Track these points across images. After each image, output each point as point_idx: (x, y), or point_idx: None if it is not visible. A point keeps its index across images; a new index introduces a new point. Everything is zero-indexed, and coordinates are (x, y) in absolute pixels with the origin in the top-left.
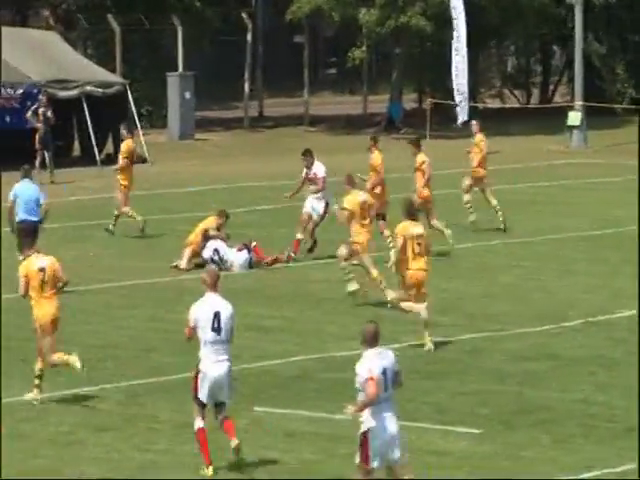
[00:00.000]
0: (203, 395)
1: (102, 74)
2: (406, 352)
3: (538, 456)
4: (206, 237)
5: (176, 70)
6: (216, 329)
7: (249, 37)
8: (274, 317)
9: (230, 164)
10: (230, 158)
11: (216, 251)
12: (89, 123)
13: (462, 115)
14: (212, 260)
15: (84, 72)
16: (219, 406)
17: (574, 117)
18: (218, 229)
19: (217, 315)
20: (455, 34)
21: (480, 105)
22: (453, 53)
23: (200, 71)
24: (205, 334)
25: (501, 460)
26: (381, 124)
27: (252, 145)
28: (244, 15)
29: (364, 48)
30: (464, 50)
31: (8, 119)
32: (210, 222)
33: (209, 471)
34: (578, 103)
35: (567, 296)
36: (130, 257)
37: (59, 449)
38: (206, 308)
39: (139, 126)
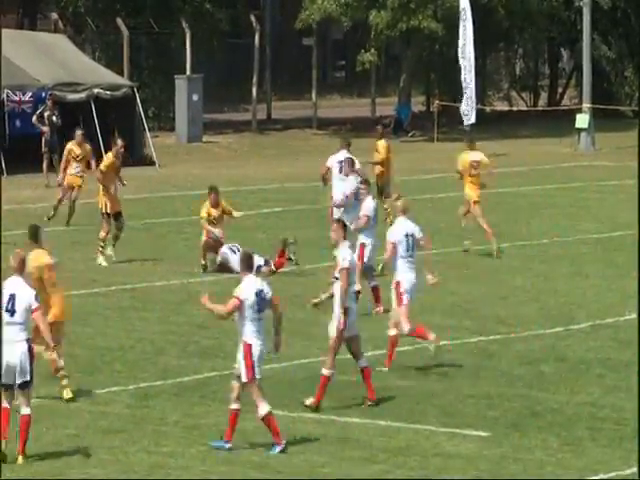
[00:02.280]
0: None
1: (110, 77)
2: (417, 355)
3: (546, 459)
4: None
5: (184, 73)
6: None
7: (257, 40)
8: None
9: (239, 167)
10: (238, 161)
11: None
12: (97, 126)
13: (469, 118)
14: (232, 250)
15: (92, 75)
16: None
17: (582, 120)
18: (215, 206)
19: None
20: (462, 37)
21: (488, 108)
22: (460, 56)
23: (209, 74)
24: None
25: (509, 463)
26: (389, 126)
27: (260, 148)
28: (252, 18)
29: (373, 51)
30: (472, 53)
31: (19, 124)
32: (205, 209)
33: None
34: (586, 106)
35: (576, 298)
36: (139, 260)
37: (66, 452)
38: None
39: (147, 129)
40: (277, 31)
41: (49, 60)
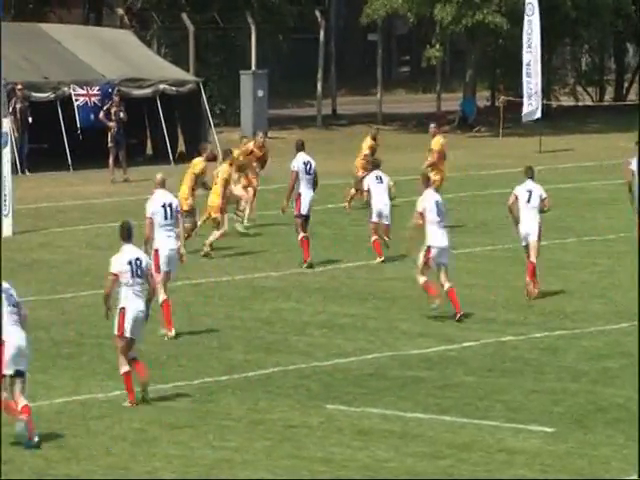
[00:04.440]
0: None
1: (176, 73)
2: (481, 350)
3: (612, 455)
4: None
5: (250, 69)
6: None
7: (322, 35)
8: (348, 315)
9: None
10: None
11: None
12: (162, 121)
13: (533, 113)
14: None
15: (158, 71)
16: None
17: None
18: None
19: None
20: (528, 31)
21: (554, 103)
22: (525, 50)
23: (274, 69)
24: None
25: (575, 459)
26: (455, 121)
27: (325, 143)
28: (317, 13)
29: (439, 46)
30: (538, 48)
31: (92, 117)
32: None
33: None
34: None
35: None
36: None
37: (131, 446)
38: None
39: (212, 124)
40: (342, 27)
41: (115, 56)
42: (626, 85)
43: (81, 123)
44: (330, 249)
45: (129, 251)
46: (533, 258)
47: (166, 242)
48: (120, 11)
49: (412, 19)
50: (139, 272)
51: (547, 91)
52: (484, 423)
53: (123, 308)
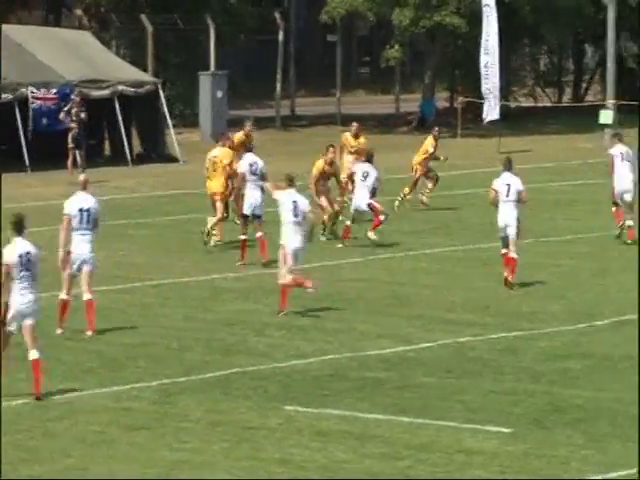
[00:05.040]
0: None
1: (135, 74)
2: (440, 351)
3: (570, 455)
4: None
5: (209, 70)
6: None
7: (281, 36)
8: (306, 316)
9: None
10: (263, 157)
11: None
12: (121, 123)
13: (492, 114)
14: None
15: (117, 71)
16: None
17: (606, 115)
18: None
19: None
20: (485, 33)
21: (512, 104)
22: (482, 52)
23: (234, 70)
24: None
25: (533, 459)
26: (413, 123)
27: (284, 144)
28: (277, 14)
29: (398, 47)
30: (495, 49)
31: (45, 121)
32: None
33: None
34: (610, 101)
35: (600, 295)
36: (164, 256)
37: (89, 448)
38: None
39: (171, 125)
40: (302, 28)
41: (74, 57)
42: (584, 86)
43: (34, 127)
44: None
45: (20, 244)
46: (513, 254)
47: (80, 246)
48: (79, 12)
49: (372, 18)
50: (28, 266)
51: (506, 92)
52: (442, 424)
53: (7, 302)
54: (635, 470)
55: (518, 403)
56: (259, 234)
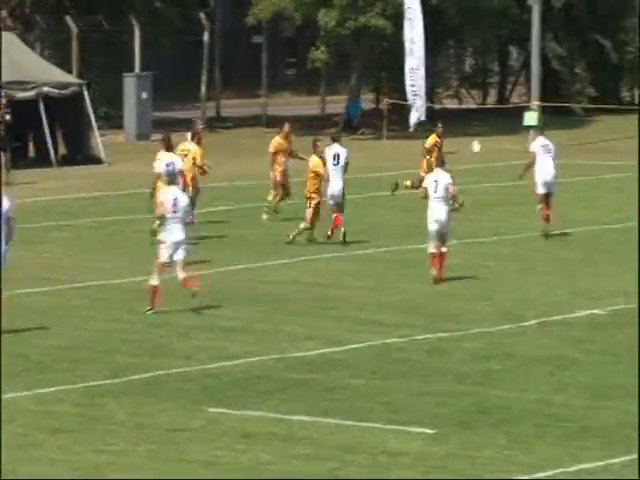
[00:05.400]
0: None
1: (59, 75)
2: (367, 352)
3: (494, 456)
4: None
5: (134, 71)
6: None
7: (206, 37)
8: (233, 317)
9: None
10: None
11: None
12: (45, 124)
13: (417, 116)
14: None
15: (41, 73)
16: None
17: (530, 117)
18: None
19: None
20: (409, 35)
21: (437, 105)
22: (407, 54)
23: (159, 71)
24: None
25: (456, 460)
26: (339, 124)
27: (210, 146)
28: (202, 15)
29: (324, 49)
30: (421, 51)
31: None
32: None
33: None
34: (535, 103)
35: (525, 296)
36: (89, 258)
37: (14, 451)
38: None
39: (95, 127)
40: (228, 29)
41: None
42: (509, 87)
43: None
44: (212, 251)
45: None
46: (444, 248)
47: None
48: (3, 13)
49: (298, 19)
50: None
51: (431, 94)
52: (367, 425)
53: None
54: (559, 470)
55: (443, 404)
56: None
